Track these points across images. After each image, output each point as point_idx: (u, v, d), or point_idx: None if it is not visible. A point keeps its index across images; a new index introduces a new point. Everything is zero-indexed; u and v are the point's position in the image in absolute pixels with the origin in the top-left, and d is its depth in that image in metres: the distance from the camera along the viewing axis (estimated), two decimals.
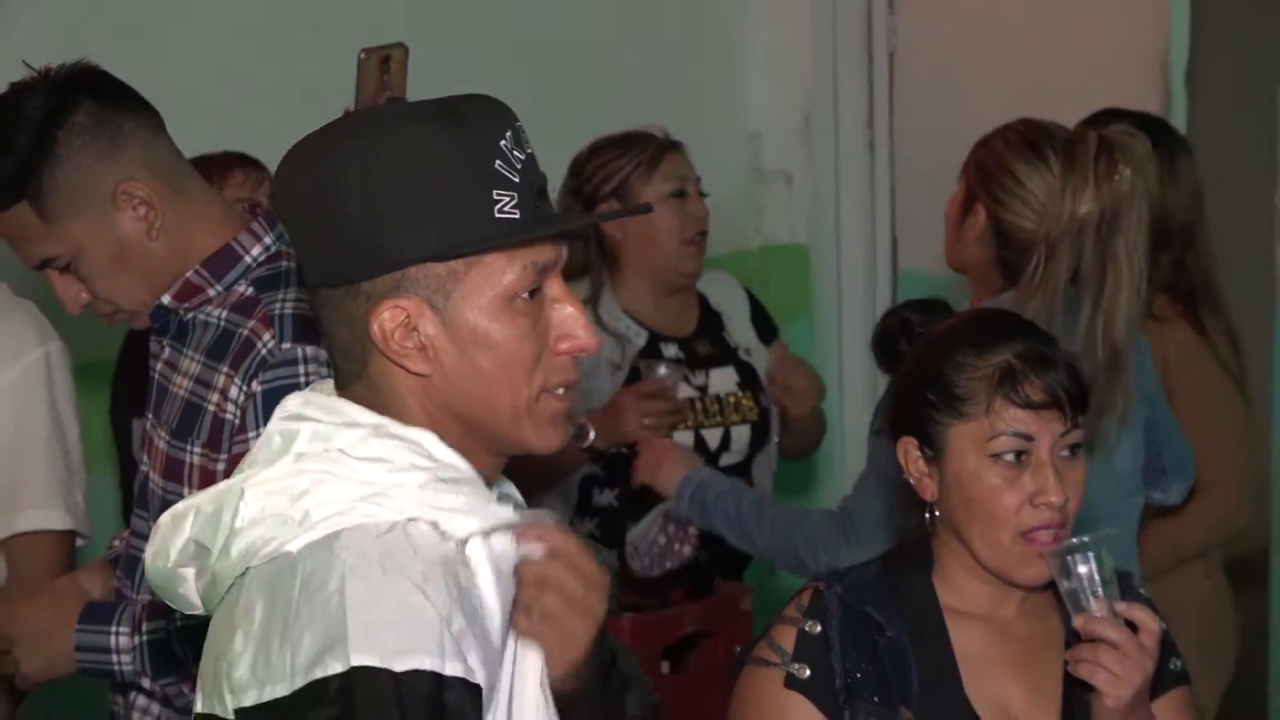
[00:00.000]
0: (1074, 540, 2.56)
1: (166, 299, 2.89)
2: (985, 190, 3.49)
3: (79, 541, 3.50)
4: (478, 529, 2.02)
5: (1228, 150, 4.97)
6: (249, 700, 1.94)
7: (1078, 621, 2.54)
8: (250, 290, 2.88)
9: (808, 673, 2.61)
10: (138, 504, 2.97)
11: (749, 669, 2.67)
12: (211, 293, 2.89)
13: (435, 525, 2.00)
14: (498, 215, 1.99)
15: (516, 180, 2.02)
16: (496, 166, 2.01)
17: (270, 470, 2.00)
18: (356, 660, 1.89)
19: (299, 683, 1.90)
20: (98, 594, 3.05)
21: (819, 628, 2.64)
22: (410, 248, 2.01)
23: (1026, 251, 3.42)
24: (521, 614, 2.08)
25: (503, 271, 2.01)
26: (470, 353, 2.05)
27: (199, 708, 2.06)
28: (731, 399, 4.17)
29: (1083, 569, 2.56)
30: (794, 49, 5.88)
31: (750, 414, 4.17)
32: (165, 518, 2.09)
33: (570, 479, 4.12)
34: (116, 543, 3.15)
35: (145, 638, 2.84)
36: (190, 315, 2.90)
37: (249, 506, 1.99)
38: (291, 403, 2.09)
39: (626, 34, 5.50)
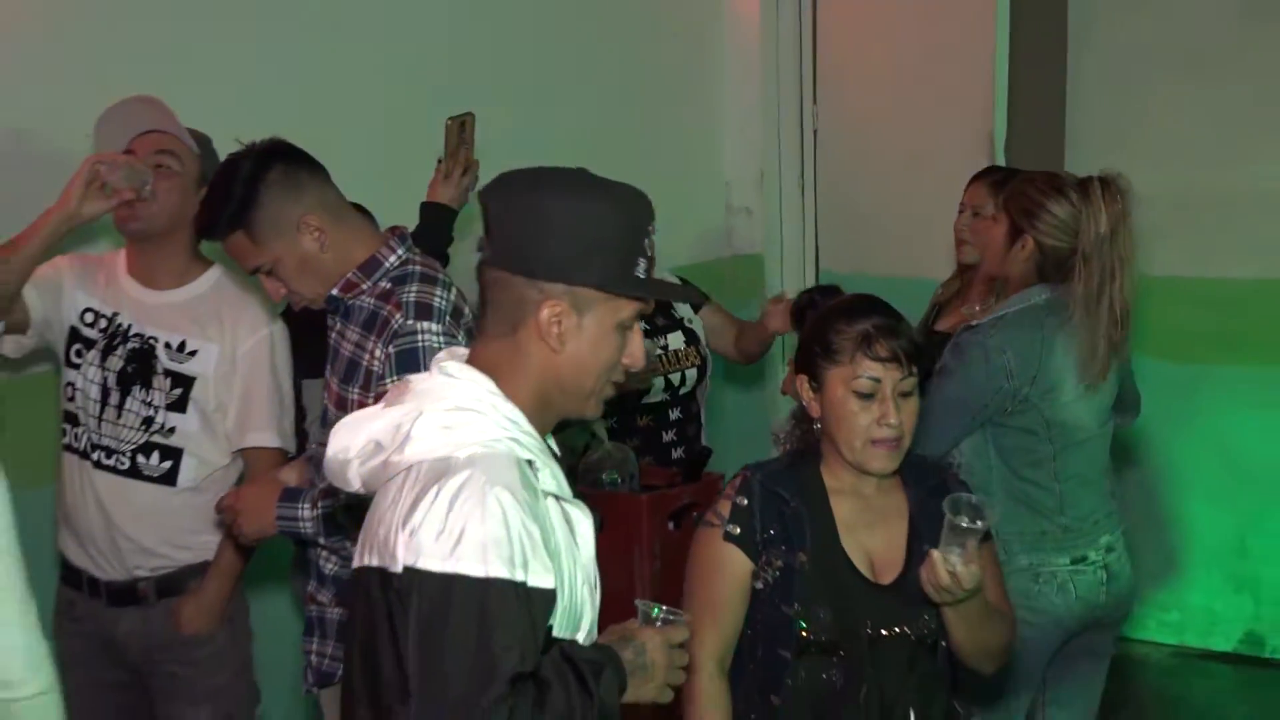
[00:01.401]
0: (963, 495, 2.63)
1: (336, 291, 3.05)
2: (1030, 225, 3.51)
3: (288, 455, 3.61)
4: (553, 489, 2.17)
5: None
6: (417, 560, 2.02)
7: (933, 553, 2.59)
8: (388, 284, 3.03)
9: (738, 530, 2.73)
10: (322, 423, 3.15)
11: (700, 528, 2.81)
12: (364, 286, 3.04)
13: (531, 464, 2.13)
14: (635, 275, 2.18)
15: (648, 256, 2.19)
16: (643, 244, 2.18)
17: (440, 404, 2.12)
18: (493, 572, 2.00)
19: (450, 569, 2.00)
20: (294, 482, 3.18)
21: (745, 501, 2.75)
22: (584, 277, 2.15)
23: (1062, 262, 3.46)
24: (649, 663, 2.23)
25: (622, 309, 2.19)
26: (586, 348, 2.18)
27: (360, 562, 2.16)
28: (681, 352, 4.35)
29: (961, 519, 2.59)
30: (752, 127, 6.08)
31: (695, 360, 4.35)
32: (342, 427, 2.23)
33: None
34: (315, 447, 3.27)
35: (319, 511, 3.03)
36: (351, 301, 3.05)
37: (423, 424, 2.10)
38: (450, 366, 2.19)
39: (642, 117, 5.61)
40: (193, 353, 3.48)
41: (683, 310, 4.47)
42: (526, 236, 2.15)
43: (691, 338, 4.40)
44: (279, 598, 4.30)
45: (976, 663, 2.76)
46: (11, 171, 3.69)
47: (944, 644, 2.74)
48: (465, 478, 2.03)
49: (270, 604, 4.22)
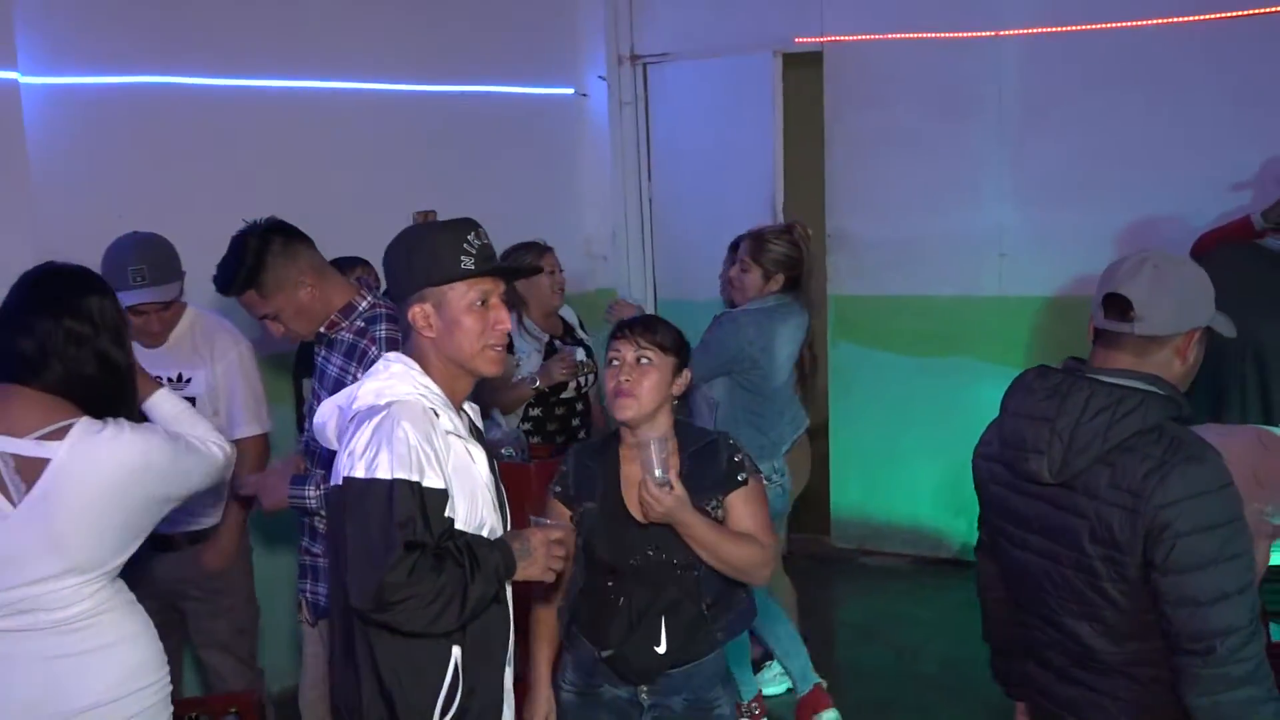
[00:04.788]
0: (648, 437, 2.61)
1: (322, 329, 3.07)
2: (757, 259, 4.02)
3: (268, 436, 3.65)
4: (449, 429, 2.22)
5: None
6: (350, 472, 2.12)
7: (642, 482, 2.60)
8: (363, 323, 3.05)
9: (558, 489, 2.79)
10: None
11: (548, 490, 2.84)
12: (343, 325, 3.05)
13: (434, 411, 2.21)
14: (462, 267, 2.26)
15: (474, 252, 2.27)
16: (463, 245, 2.27)
17: (376, 377, 2.24)
18: (396, 475, 2.10)
19: (369, 475, 2.09)
20: (294, 469, 3.13)
21: (565, 468, 2.80)
22: (415, 284, 2.25)
23: (793, 282, 3.99)
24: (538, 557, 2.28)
25: (465, 292, 2.26)
26: (451, 328, 2.26)
27: (329, 486, 2.22)
28: (585, 363, 4.40)
29: (650, 454, 2.58)
30: (606, 198, 6.29)
31: (591, 369, 4.42)
32: (323, 405, 2.36)
33: (522, 404, 4.25)
34: (300, 444, 3.28)
35: (321, 490, 3.01)
36: (334, 336, 3.06)
37: (365, 389, 2.23)
38: (389, 355, 2.31)
39: (526, 194, 5.69)
40: (188, 380, 3.49)
41: (580, 333, 4.58)
42: (390, 276, 2.34)
43: (589, 352, 4.51)
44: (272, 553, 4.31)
45: (733, 575, 2.72)
46: None
47: (701, 569, 2.72)
48: (382, 416, 2.15)
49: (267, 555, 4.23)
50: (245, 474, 3.33)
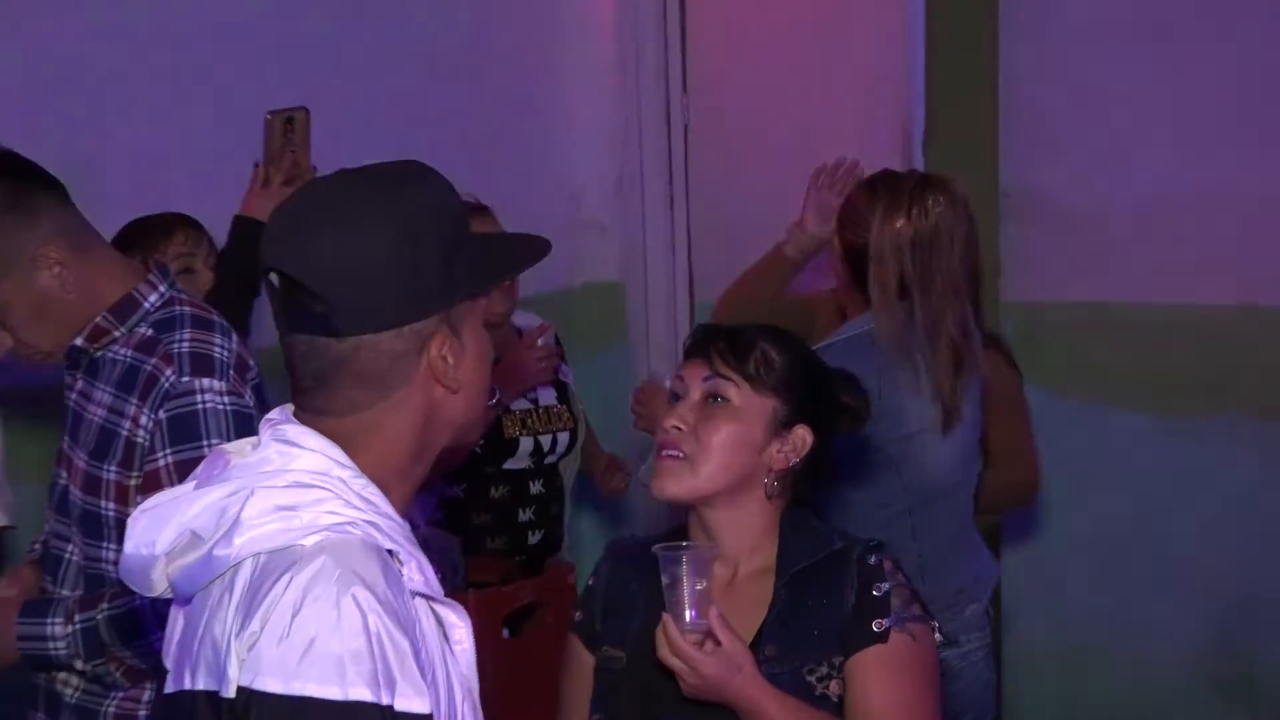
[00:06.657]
0: (672, 548, 2.55)
1: (79, 340, 2.95)
2: (838, 224, 3.66)
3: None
4: (419, 587, 2.05)
5: None
6: (255, 682, 1.94)
7: (661, 628, 2.51)
8: (150, 331, 2.95)
9: (579, 617, 2.75)
10: (58, 511, 3.00)
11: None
12: (117, 334, 2.96)
13: (395, 555, 2.01)
14: (500, 251, 2.27)
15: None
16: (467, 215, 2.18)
17: (276, 480, 2.01)
18: (352, 695, 1.91)
19: (296, 691, 1.91)
20: (16, 593, 3.07)
21: (593, 581, 2.77)
22: (458, 291, 2.09)
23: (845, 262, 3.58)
24: None
25: (480, 305, 2.15)
26: (472, 365, 2.12)
27: (180, 685, 2.05)
28: (554, 410, 4.38)
29: (673, 575, 2.52)
30: (605, 124, 5.98)
31: (568, 422, 4.38)
32: (142, 515, 2.08)
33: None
34: (37, 546, 3.17)
35: (78, 626, 2.89)
36: (100, 353, 2.96)
37: (256, 506, 1.98)
38: (290, 430, 2.06)
39: (472, 114, 5.54)
40: None
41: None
42: (372, 288, 2.02)
43: (564, 394, 4.40)
44: None
45: None
46: None
47: None
48: (315, 572, 1.91)
49: None
50: None
